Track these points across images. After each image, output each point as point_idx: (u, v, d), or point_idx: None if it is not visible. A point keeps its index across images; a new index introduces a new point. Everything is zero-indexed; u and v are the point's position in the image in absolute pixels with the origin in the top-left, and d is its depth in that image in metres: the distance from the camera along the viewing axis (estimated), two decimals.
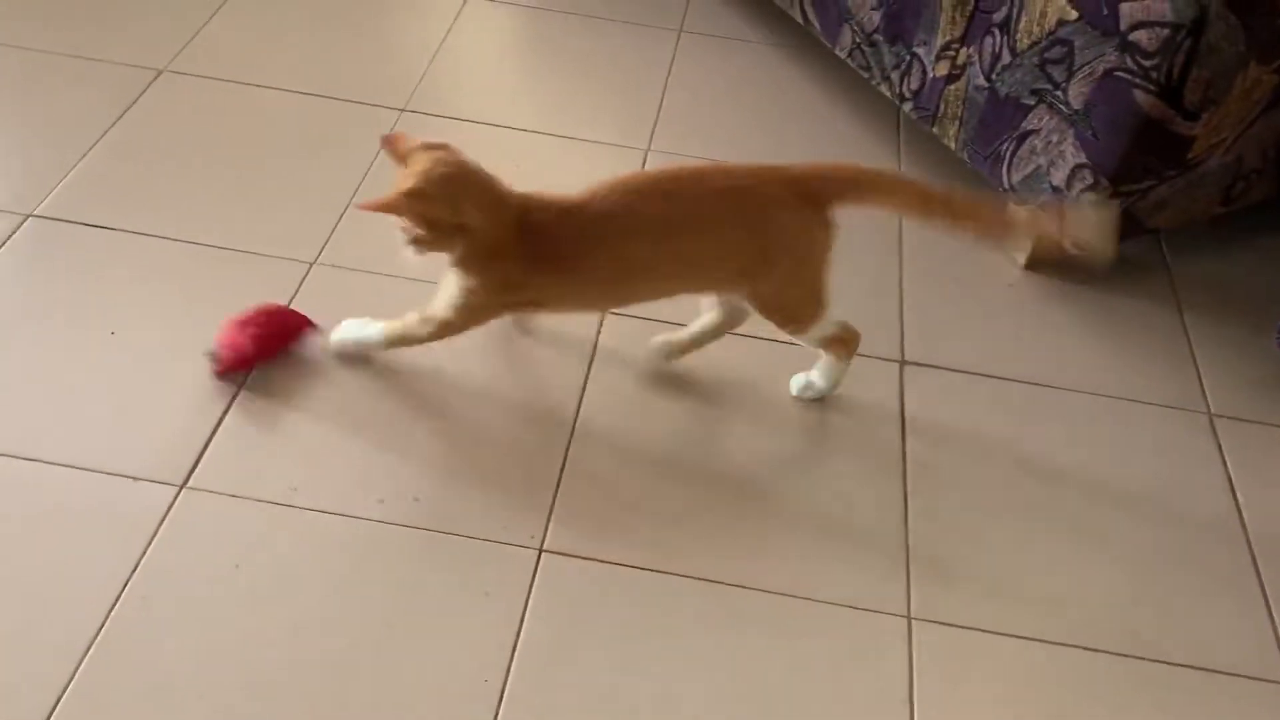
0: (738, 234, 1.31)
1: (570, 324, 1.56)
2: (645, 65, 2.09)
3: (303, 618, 1.20)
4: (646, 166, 1.85)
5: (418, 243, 1.25)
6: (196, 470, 1.32)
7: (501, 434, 1.42)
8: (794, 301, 1.38)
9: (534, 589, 1.25)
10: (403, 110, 1.91)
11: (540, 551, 1.29)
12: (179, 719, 1.11)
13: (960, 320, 1.64)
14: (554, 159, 1.87)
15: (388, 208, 1.23)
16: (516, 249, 1.28)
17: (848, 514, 1.37)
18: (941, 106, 1.72)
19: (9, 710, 1.10)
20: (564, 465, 1.38)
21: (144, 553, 1.23)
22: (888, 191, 1.37)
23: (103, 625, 1.17)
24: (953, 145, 1.74)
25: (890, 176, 1.42)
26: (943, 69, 1.70)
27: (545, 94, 2.03)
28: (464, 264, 1.30)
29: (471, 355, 1.49)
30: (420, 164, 1.25)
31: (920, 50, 1.73)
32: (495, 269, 1.30)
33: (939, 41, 1.69)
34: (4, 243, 1.58)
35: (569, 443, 1.40)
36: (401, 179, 1.25)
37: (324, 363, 1.46)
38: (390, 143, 1.28)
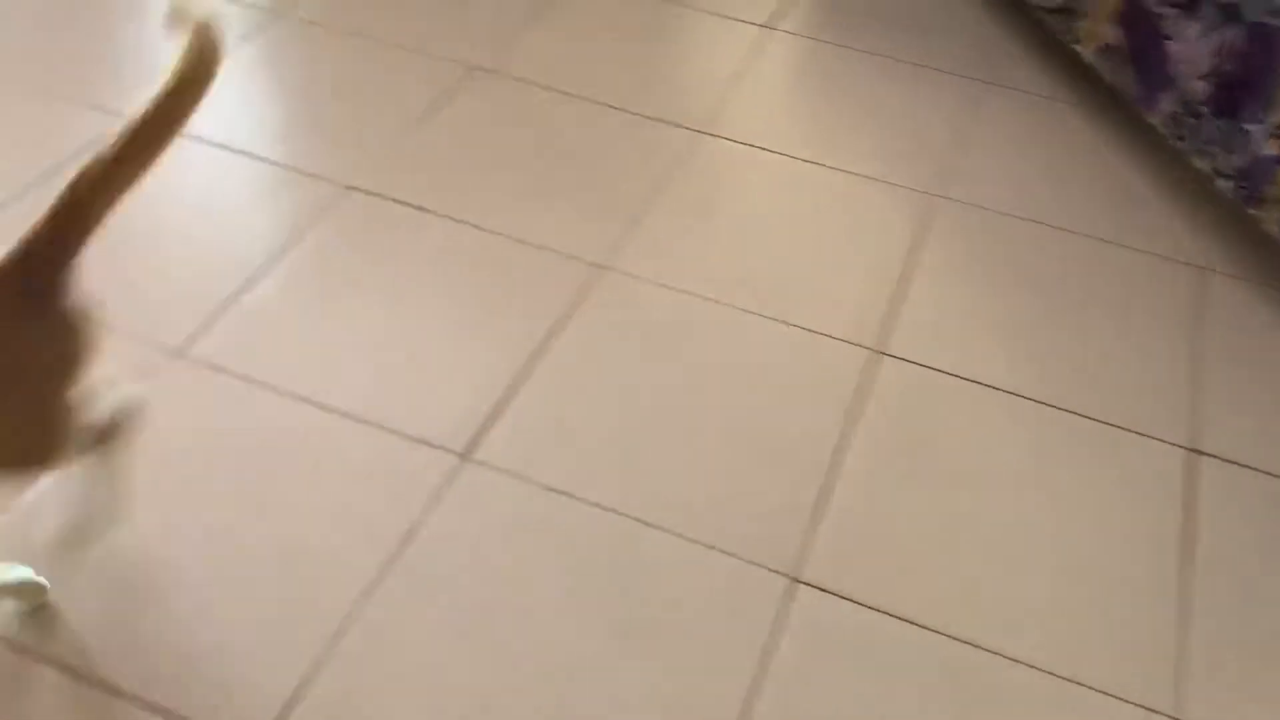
0: None
1: (827, 364, 1.55)
2: (938, 110, 2.06)
3: (559, 606, 1.24)
4: (932, 212, 1.82)
5: None
6: (478, 445, 1.39)
7: (767, 456, 1.42)
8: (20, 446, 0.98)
9: (783, 618, 1.24)
10: (694, 131, 1.95)
11: (792, 581, 1.28)
12: (429, 679, 1.16)
13: (1265, 411, 1.53)
14: (835, 192, 1.86)
15: None
16: None
17: (1120, 598, 1.30)
18: (1268, 187, 1.62)
19: (287, 643, 1.18)
20: (825, 499, 1.37)
21: (421, 515, 1.31)
22: (101, 193, 0.93)
23: (376, 579, 1.24)
24: (1275, 229, 1.62)
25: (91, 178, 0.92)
26: (1275, 148, 1.59)
27: (834, 128, 2.03)
28: None
29: (737, 384, 1.51)
30: None
31: (1251, 127, 1.63)
32: None
33: (1276, 119, 1.59)
34: (327, 208, 1.71)
35: (831, 475, 1.39)
36: None
37: (605, 360, 1.51)
38: None
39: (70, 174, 0.92)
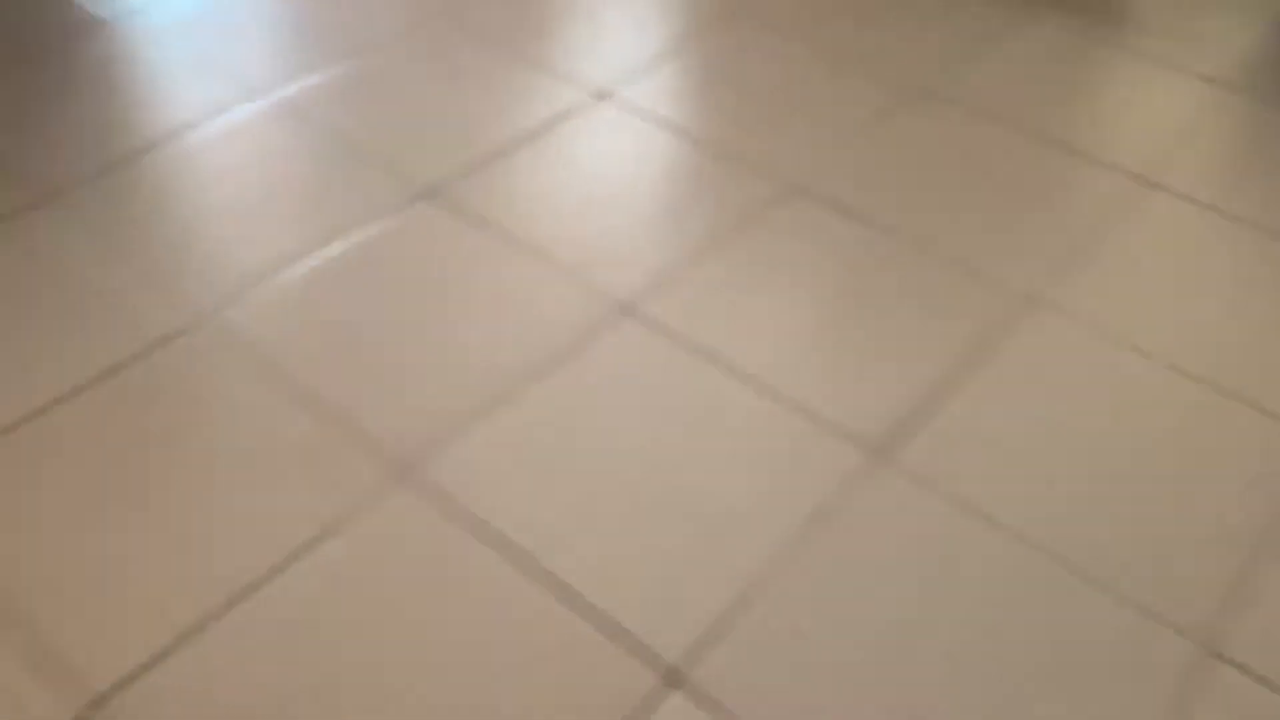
0: None
1: (1263, 442, 1.47)
2: None
3: (960, 623, 1.27)
4: None
5: None
6: (898, 448, 1.44)
7: (1193, 519, 1.38)
8: None
9: (1192, 688, 1.21)
10: (1137, 179, 1.91)
11: (1207, 653, 1.24)
12: (829, 663, 1.23)
13: None
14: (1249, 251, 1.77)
15: None
16: None
17: None
18: None
19: (674, 618, 1.28)
20: (1248, 574, 1.31)
21: (834, 503, 1.37)
22: None
23: (786, 552, 1.32)
24: None
25: None
26: None
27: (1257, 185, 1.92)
28: None
29: (1166, 442, 1.47)
30: None
31: None
32: None
33: None
34: (771, 200, 1.82)
35: (1259, 552, 1.34)
36: None
37: (1033, 391, 1.52)
38: None
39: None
